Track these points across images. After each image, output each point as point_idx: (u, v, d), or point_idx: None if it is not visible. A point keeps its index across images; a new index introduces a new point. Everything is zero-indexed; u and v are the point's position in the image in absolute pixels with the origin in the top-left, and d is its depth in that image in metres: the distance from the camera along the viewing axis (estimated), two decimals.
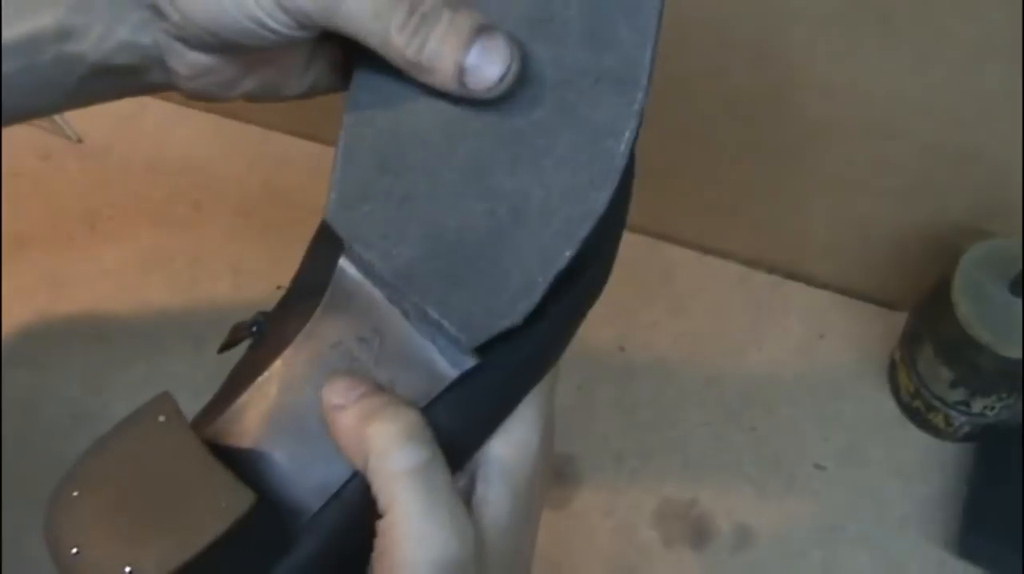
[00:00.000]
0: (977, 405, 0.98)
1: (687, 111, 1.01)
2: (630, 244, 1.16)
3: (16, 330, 1.08)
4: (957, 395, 0.98)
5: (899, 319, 1.07)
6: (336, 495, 0.56)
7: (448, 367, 0.55)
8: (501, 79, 0.54)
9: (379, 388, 0.55)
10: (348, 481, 0.56)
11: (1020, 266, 0.92)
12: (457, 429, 0.56)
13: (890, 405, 1.07)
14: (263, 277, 1.10)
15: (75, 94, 0.65)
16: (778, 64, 0.93)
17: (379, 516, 0.54)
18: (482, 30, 0.54)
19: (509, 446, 0.58)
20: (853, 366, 1.09)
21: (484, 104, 0.55)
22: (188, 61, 0.61)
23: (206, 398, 0.61)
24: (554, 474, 1.03)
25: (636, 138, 0.56)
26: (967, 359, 0.95)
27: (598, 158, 0.54)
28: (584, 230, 0.54)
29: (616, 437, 1.05)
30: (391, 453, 0.53)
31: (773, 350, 1.10)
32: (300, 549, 0.56)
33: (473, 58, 0.54)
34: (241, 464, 0.56)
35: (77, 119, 1.21)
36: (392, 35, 0.54)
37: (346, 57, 0.62)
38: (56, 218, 1.15)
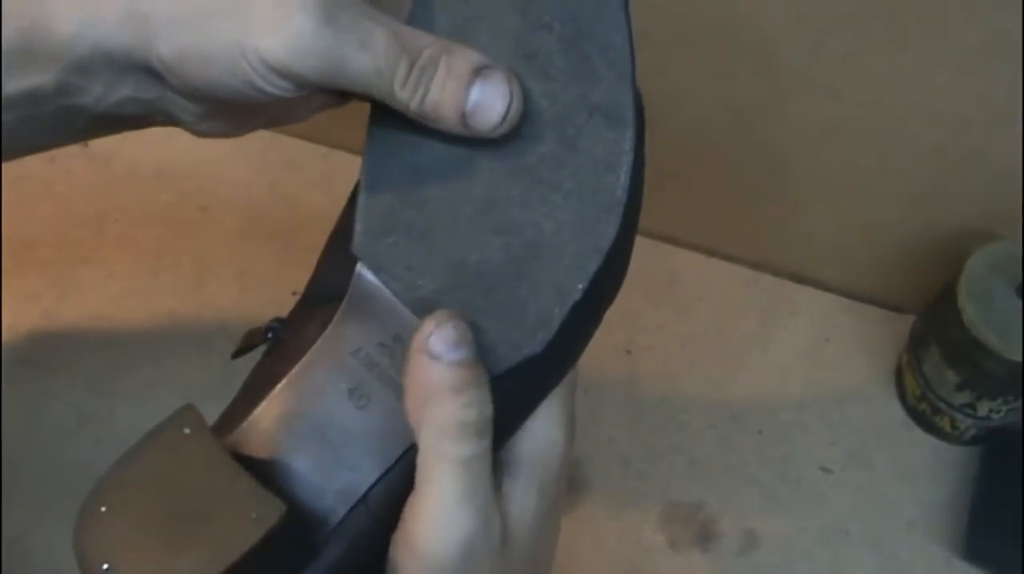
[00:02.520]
0: (983, 408, 0.98)
1: (694, 115, 1.01)
2: (636, 247, 1.16)
3: (22, 333, 1.08)
4: (963, 398, 0.98)
5: (905, 322, 1.07)
6: (361, 500, 0.57)
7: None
8: (503, 119, 0.55)
9: (477, 351, 0.56)
10: (373, 485, 0.57)
11: None
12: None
13: (896, 408, 1.07)
14: (270, 281, 1.10)
15: (81, 134, 0.66)
16: (784, 68, 0.93)
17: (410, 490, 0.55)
18: (479, 71, 0.55)
19: (536, 442, 0.59)
20: (859, 370, 1.09)
21: (494, 140, 0.56)
22: (192, 111, 0.63)
23: (213, 401, 0.61)
24: None
25: (638, 169, 0.57)
26: (973, 362, 0.95)
27: (600, 193, 0.56)
28: (594, 264, 0.56)
29: (622, 440, 1.05)
30: (454, 437, 0.54)
31: (779, 353, 1.10)
32: (326, 556, 0.57)
33: (473, 102, 0.55)
34: (264, 474, 0.56)
35: None
36: (396, 91, 0.55)
37: None
38: (62, 222, 1.15)
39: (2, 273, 1.10)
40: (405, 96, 0.55)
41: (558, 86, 0.56)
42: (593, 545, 1.00)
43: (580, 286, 0.55)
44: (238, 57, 0.56)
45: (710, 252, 1.15)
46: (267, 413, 0.58)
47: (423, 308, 0.56)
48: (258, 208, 1.16)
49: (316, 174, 1.16)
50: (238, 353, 0.63)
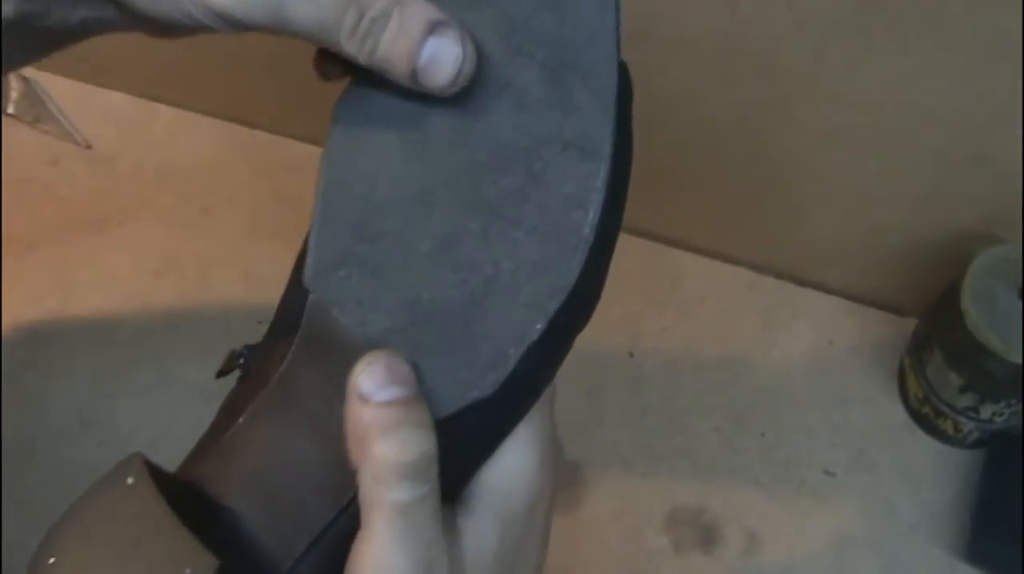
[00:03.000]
0: (986, 411, 0.98)
1: (697, 118, 1.01)
2: (639, 250, 1.16)
3: (25, 335, 1.08)
4: (966, 401, 0.98)
5: (908, 325, 1.07)
6: (316, 541, 0.55)
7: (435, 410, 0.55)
8: (454, 77, 0.54)
9: (413, 383, 0.54)
10: (328, 526, 0.55)
11: None
12: (445, 462, 0.54)
13: (899, 411, 1.07)
14: (273, 282, 1.10)
15: (42, 52, 0.65)
16: (787, 72, 0.93)
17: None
18: (433, 27, 0.53)
19: (499, 475, 0.57)
20: (862, 372, 1.09)
21: (455, 172, 0.55)
22: (146, 31, 0.61)
23: (215, 404, 0.61)
24: (564, 480, 1.03)
25: (612, 206, 0.55)
26: (976, 365, 0.95)
27: (566, 231, 0.53)
28: (554, 304, 0.53)
29: (625, 443, 1.05)
30: (386, 482, 0.52)
31: (782, 356, 1.10)
32: None
33: (426, 58, 0.53)
34: (217, 513, 0.56)
35: (86, 125, 1.21)
36: (342, 43, 0.54)
37: None
38: (65, 223, 1.15)
39: (4, 275, 1.10)
40: (352, 47, 0.54)
41: (531, 117, 0.54)
42: (596, 547, 1.00)
43: (538, 326, 0.53)
44: (185, 1, 0.55)
45: (713, 255, 1.15)
46: (229, 448, 0.57)
47: (374, 345, 0.54)
48: (261, 210, 1.16)
49: (315, 176, 1.16)
50: (220, 374, 0.62)
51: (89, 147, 1.21)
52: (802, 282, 1.14)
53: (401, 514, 0.52)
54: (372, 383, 0.52)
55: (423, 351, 0.54)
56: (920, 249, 1.04)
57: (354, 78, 0.58)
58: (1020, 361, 0.92)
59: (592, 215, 0.53)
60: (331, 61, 0.59)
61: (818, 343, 1.11)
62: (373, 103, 0.57)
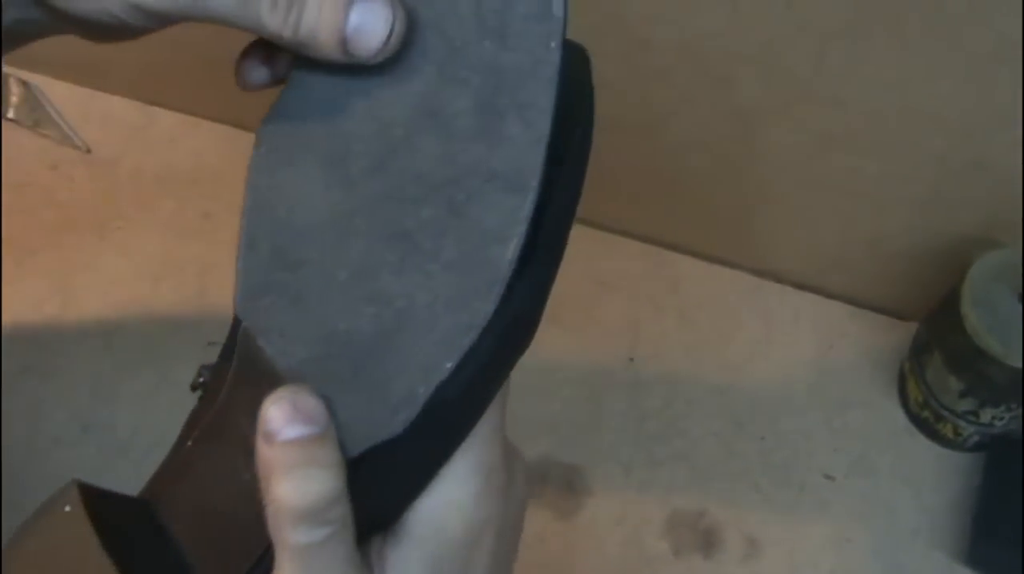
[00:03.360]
0: (986, 415, 0.98)
1: (697, 122, 1.01)
2: (639, 255, 1.16)
3: (25, 339, 1.08)
4: (966, 405, 0.98)
5: (908, 329, 1.07)
6: (251, 571, 0.54)
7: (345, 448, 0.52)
8: (385, 42, 0.51)
9: (321, 421, 0.51)
10: (262, 556, 0.54)
11: None
12: (366, 499, 0.53)
13: (899, 415, 1.07)
14: None
15: None
16: (787, 76, 0.93)
17: None
18: None
19: (429, 507, 0.54)
20: (862, 376, 1.09)
21: (376, 199, 0.52)
22: (77, 32, 0.60)
23: None
24: (564, 484, 1.03)
25: (549, 241, 0.52)
26: (976, 369, 0.95)
27: (484, 266, 0.50)
28: (467, 341, 0.50)
29: (625, 447, 1.05)
30: (288, 523, 0.50)
31: (782, 360, 1.10)
32: None
33: (353, 24, 0.51)
34: (166, 537, 0.55)
35: (86, 130, 1.21)
36: (263, 19, 0.51)
37: None
38: (65, 228, 1.15)
39: (4, 279, 1.10)
40: (276, 23, 0.51)
41: (457, 147, 0.51)
42: (596, 552, 1.00)
43: (448, 364, 0.50)
44: None
45: (713, 259, 1.15)
46: (176, 468, 0.57)
47: (295, 376, 0.52)
48: None
49: None
50: (192, 388, 0.61)
51: (89, 151, 1.21)
52: (802, 286, 1.14)
53: (301, 556, 0.50)
54: (276, 420, 0.50)
55: (338, 386, 0.52)
56: (920, 253, 1.04)
57: (278, 98, 0.56)
58: (1020, 365, 0.92)
59: (512, 251, 0.50)
60: (253, 63, 0.57)
61: (818, 347, 1.11)
62: (296, 124, 0.55)
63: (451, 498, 0.54)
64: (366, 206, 0.53)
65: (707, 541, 1.01)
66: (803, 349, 1.11)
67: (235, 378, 0.55)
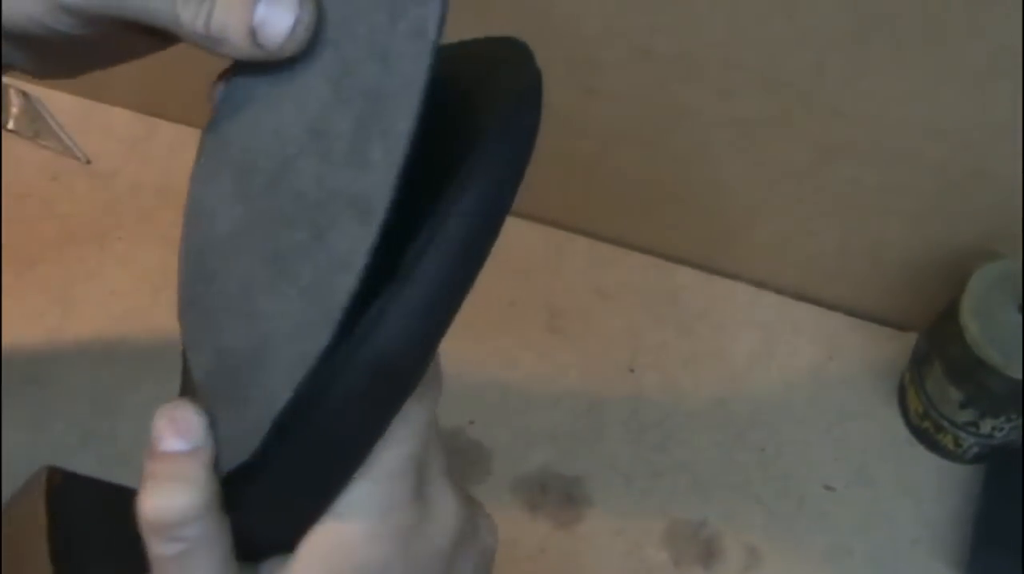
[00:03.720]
0: (986, 426, 0.98)
1: (696, 133, 1.01)
2: (639, 265, 1.16)
3: (25, 351, 1.08)
4: (966, 416, 0.98)
5: (908, 340, 1.07)
6: None
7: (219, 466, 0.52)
8: (293, 30, 0.51)
9: (192, 437, 0.51)
10: None
11: None
12: (255, 518, 0.53)
13: (899, 426, 1.07)
14: None
15: None
16: (787, 87, 0.93)
17: None
18: None
19: (316, 540, 0.53)
20: (862, 387, 1.09)
21: (265, 218, 0.52)
22: (12, 54, 0.60)
23: None
24: (564, 495, 1.03)
25: (416, 275, 0.49)
26: (976, 380, 0.95)
27: (328, 293, 0.49)
28: (300, 373, 0.49)
29: (625, 458, 1.05)
30: (148, 535, 0.51)
31: (782, 371, 1.10)
32: None
33: (261, 14, 0.51)
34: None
35: (86, 141, 1.21)
36: (179, 12, 0.52)
37: None
38: (65, 239, 1.15)
39: (4, 290, 1.10)
40: (189, 17, 0.52)
41: (331, 170, 0.50)
42: (596, 563, 1.00)
43: (285, 396, 0.49)
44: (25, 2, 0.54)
45: (713, 270, 1.15)
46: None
47: (202, 391, 0.53)
48: None
49: None
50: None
51: (89, 163, 1.21)
52: (802, 297, 1.14)
53: (160, 567, 0.51)
54: (156, 432, 0.51)
55: (219, 402, 0.52)
56: (920, 264, 1.05)
57: (215, 110, 0.56)
58: (1020, 376, 0.92)
59: (352, 282, 0.48)
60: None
61: (818, 358, 1.11)
62: (222, 136, 0.55)
63: (338, 533, 0.53)
64: (256, 223, 0.52)
65: (707, 552, 1.01)
66: (803, 360, 1.11)
67: (182, 389, 0.56)
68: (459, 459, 1.05)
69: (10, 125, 1.21)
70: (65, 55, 0.61)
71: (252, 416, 0.50)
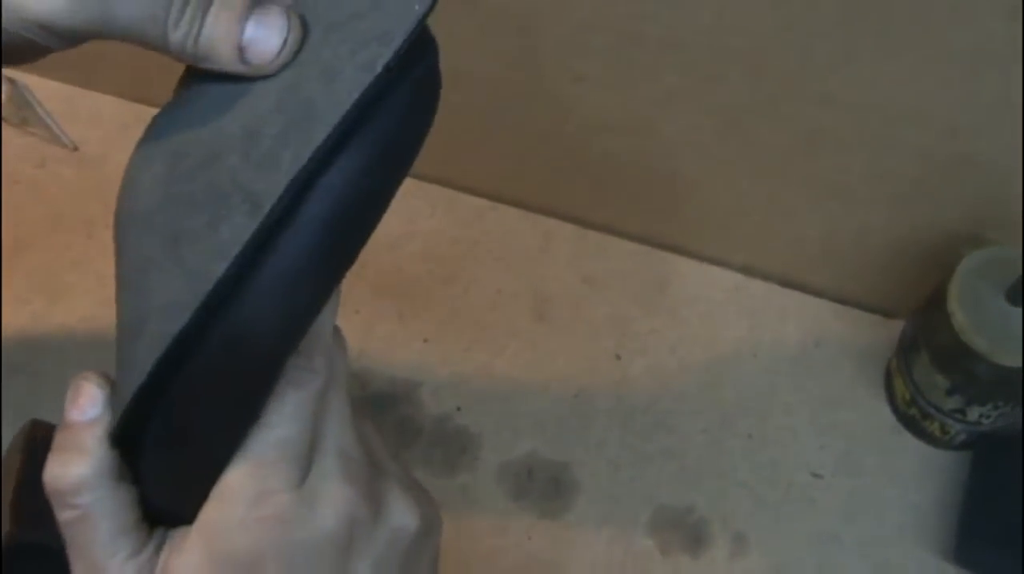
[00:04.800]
0: (973, 413, 0.98)
1: (684, 120, 1.01)
2: (626, 252, 1.16)
3: (13, 337, 1.08)
4: (953, 403, 0.98)
5: (895, 327, 1.07)
6: None
7: None
8: (279, 52, 0.52)
9: (90, 409, 0.55)
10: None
11: (1016, 274, 0.93)
12: (147, 488, 0.55)
13: (886, 413, 1.07)
14: None
15: None
16: (774, 73, 0.93)
17: None
18: (255, 3, 0.53)
19: (199, 522, 0.54)
20: (849, 374, 1.09)
21: (174, 201, 0.53)
22: None
23: None
24: (550, 482, 1.03)
25: (278, 276, 0.52)
26: (963, 367, 0.95)
27: (204, 277, 0.51)
28: (157, 353, 0.51)
29: (612, 445, 1.05)
30: (51, 500, 0.54)
31: (769, 358, 1.10)
32: None
33: (249, 34, 0.52)
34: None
35: (73, 128, 1.21)
36: (168, 34, 0.52)
37: None
38: (53, 226, 1.15)
39: None
40: (178, 38, 0.52)
41: (245, 167, 0.52)
42: (582, 550, 1.00)
43: (146, 371, 0.51)
44: (11, 15, 0.53)
45: (700, 257, 1.15)
46: None
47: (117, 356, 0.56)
48: None
49: None
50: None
51: (76, 149, 1.21)
52: (789, 284, 1.14)
53: (63, 529, 0.53)
54: (65, 402, 0.55)
55: (119, 371, 0.55)
56: (907, 251, 1.05)
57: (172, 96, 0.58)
58: (1006, 363, 0.92)
59: (223, 267, 0.50)
60: None
61: (805, 345, 1.11)
62: (171, 121, 0.57)
63: (214, 516, 0.54)
64: (169, 205, 0.54)
65: (694, 538, 1.01)
66: (790, 347, 1.11)
67: None
68: (446, 446, 1.05)
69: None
70: (34, 56, 0.59)
71: (125, 389, 0.53)
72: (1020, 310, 0.93)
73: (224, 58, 0.53)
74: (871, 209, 1.02)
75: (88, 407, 0.54)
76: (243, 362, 0.52)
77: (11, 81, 1.21)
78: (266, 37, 0.52)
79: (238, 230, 0.50)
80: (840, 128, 0.96)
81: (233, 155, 0.52)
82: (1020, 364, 0.92)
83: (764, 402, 1.08)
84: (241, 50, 0.52)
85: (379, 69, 0.50)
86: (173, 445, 0.54)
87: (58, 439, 0.54)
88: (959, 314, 0.94)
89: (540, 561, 1.00)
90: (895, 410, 1.07)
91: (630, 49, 0.96)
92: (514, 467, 1.04)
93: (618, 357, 1.10)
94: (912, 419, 1.04)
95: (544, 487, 1.03)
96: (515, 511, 1.02)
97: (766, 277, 1.14)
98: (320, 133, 0.50)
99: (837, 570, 1.00)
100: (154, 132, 0.57)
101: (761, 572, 1.00)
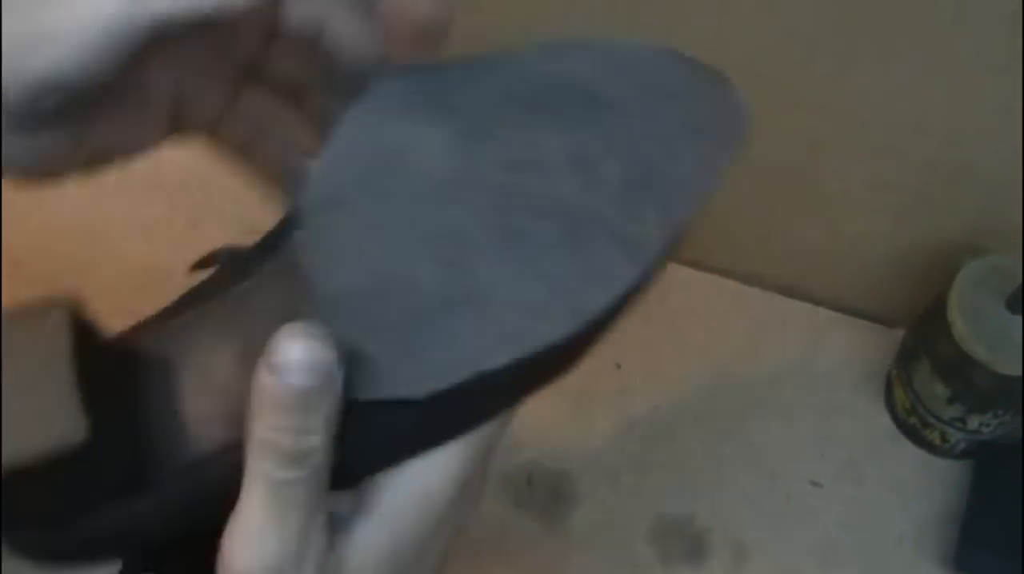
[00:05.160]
0: (973, 422, 0.98)
1: None
2: None
3: None
4: (953, 412, 0.98)
5: (895, 336, 1.07)
6: (200, 463, 0.54)
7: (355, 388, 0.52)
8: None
9: (331, 375, 0.49)
10: (217, 454, 0.54)
11: (1017, 283, 0.93)
12: (352, 450, 0.52)
13: (886, 422, 1.07)
14: None
15: None
16: (774, 82, 0.93)
17: None
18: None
19: (407, 491, 0.53)
20: (849, 383, 1.09)
21: (496, 190, 0.53)
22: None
23: None
24: (550, 491, 1.03)
25: (629, 298, 0.54)
26: (963, 376, 0.95)
27: (573, 299, 0.51)
28: (526, 350, 0.51)
29: (612, 454, 1.05)
30: (263, 457, 0.50)
31: (769, 367, 1.10)
32: (155, 493, 0.54)
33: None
34: (142, 392, 0.55)
35: None
36: None
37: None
38: (53, 235, 1.15)
39: None
40: None
41: (594, 199, 0.53)
42: (582, 559, 1.00)
43: (501, 360, 0.50)
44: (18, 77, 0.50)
45: (700, 266, 1.15)
46: (168, 332, 0.57)
47: (329, 302, 0.51)
48: (250, 221, 1.16)
49: None
50: (195, 267, 0.61)
51: None
52: (789, 293, 1.14)
53: (271, 489, 0.50)
54: (287, 356, 0.48)
55: (372, 326, 0.51)
56: (907, 260, 1.05)
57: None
58: (1006, 372, 0.92)
59: (605, 301, 0.51)
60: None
61: (805, 354, 1.11)
62: (461, 87, 0.56)
63: (425, 489, 0.53)
64: (485, 189, 0.53)
65: (694, 548, 1.01)
66: (790, 355, 1.11)
67: (265, 278, 0.56)
68: None
69: None
70: (81, 129, 0.57)
71: (434, 360, 0.50)
72: (1020, 319, 0.93)
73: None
74: (872, 218, 1.02)
75: (327, 373, 0.49)
76: (558, 369, 0.54)
77: None
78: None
79: (614, 267, 0.52)
80: (841, 137, 0.96)
81: (559, 173, 0.53)
82: (1020, 373, 0.92)
83: (764, 411, 1.08)
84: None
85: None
86: (442, 424, 0.53)
87: (283, 396, 0.49)
88: (959, 323, 0.94)
89: (540, 569, 1.00)
90: (895, 419, 1.07)
91: None
92: (514, 476, 1.04)
93: (618, 366, 1.10)
94: (912, 428, 1.04)
95: (544, 496, 1.03)
96: (515, 519, 1.02)
97: (766, 286, 1.14)
98: (683, 210, 0.56)
99: None
100: (426, 91, 0.56)
101: None
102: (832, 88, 0.92)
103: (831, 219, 1.05)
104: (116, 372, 0.56)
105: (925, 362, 0.99)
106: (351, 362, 0.50)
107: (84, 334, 0.55)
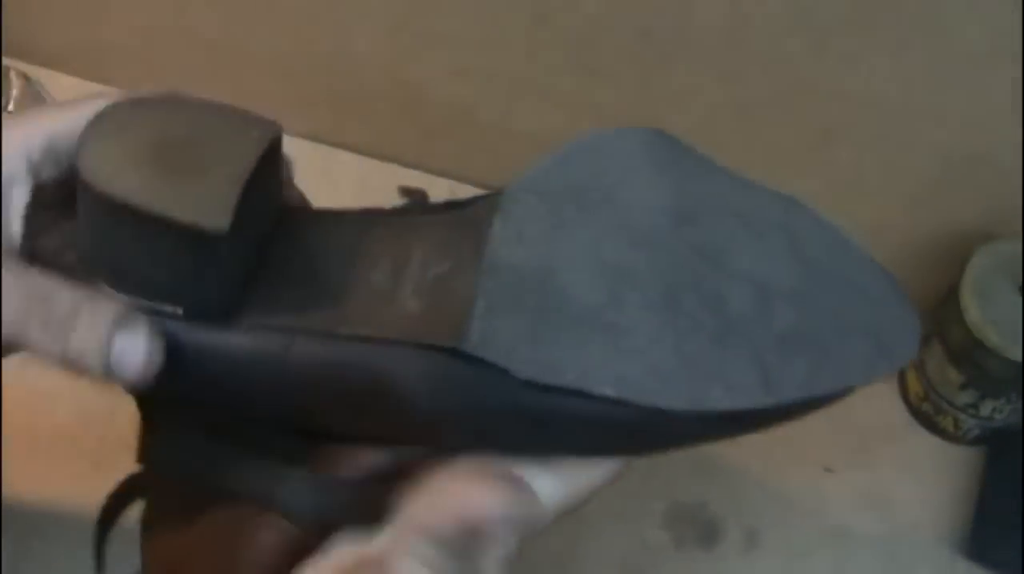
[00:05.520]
0: (986, 408, 0.98)
1: (697, 115, 1.01)
2: None
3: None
4: (966, 398, 0.98)
5: None
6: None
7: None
8: (144, 369, 0.54)
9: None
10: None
11: None
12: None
13: (899, 408, 1.07)
14: None
15: None
16: (788, 69, 0.93)
17: None
18: (121, 322, 0.54)
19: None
20: None
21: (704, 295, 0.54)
22: None
23: None
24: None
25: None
26: (976, 362, 0.95)
27: (697, 390, 0.52)
28: (749, 403, 0.54)
29: None
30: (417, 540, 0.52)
31: None
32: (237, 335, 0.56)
33: (116, 350, 0.54)
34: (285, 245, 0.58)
35: None
36: (32, 337, 0.54)
37: None
38: None
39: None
40: (45, 342, 0.54)
41: (761, 324, 0.54)
42: (597, 544, 1.00)
43: (607, 391, 0.51)
44: None
45: None
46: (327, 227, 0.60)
47: (490, 260, 0.53)
48: None
49: (315, 172, 1.15)
50: (404, 192, 0.63)
51: None
52: None
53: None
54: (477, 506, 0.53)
55: (514, 303, 0.52)
56: (920, 247, 1.04)
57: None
58: (1019, 358, 0.92)
59: (724, 406, 0.53)
60: None
61: None
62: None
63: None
64: (672, 256, 0.54)
65: (708, 533, 1.01)
66: None
67: (449, 220, 0.58)
68: None
69: (11, 107, 1.21)
70: None
71: (546, 355, 0.51)
72: None
73: (91, 369, 0.55)
74: (885, 205, 1.02)
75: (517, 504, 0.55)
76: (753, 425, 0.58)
77: (25, 76, 1.21)
78: (131, 357, 0.54)
79: (748, 385, 0.53)
80: (855, 125, 0.96)
81: (747, 297, 0.54)
82: None
83: None
84: (107, 365, 0.54)
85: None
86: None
87: (492, 518, 0.53)
88: (972, 309, 0.94)
89: (554, 556, 1.00)
90: (908, 405, 1.07)
91: (643, 43, 0.96)
92: None
93: None
94: (925, 414, 1.04)
95: None
96: None
97: None
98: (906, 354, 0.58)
99: (849, 565, 1.00)
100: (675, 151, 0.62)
101: (773, 566, 1.00)
102: (845, 76, 0.92)
103: (844, 205, 1.04)
104: (276, 218, 0.59)
105: (938, 348, 0.99)
106: (481, 317, 0.51)
107: (273, 161, 0.57)
